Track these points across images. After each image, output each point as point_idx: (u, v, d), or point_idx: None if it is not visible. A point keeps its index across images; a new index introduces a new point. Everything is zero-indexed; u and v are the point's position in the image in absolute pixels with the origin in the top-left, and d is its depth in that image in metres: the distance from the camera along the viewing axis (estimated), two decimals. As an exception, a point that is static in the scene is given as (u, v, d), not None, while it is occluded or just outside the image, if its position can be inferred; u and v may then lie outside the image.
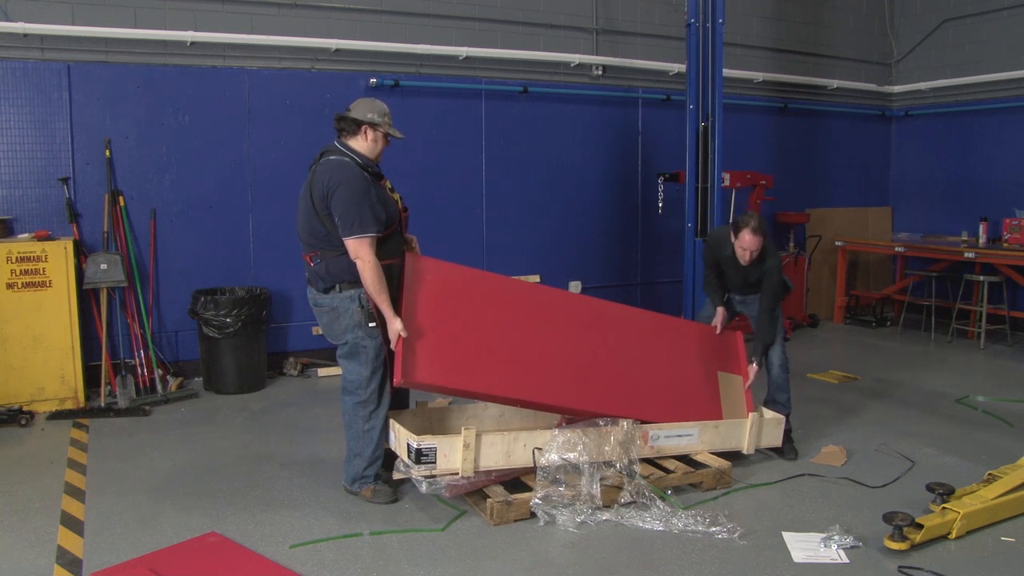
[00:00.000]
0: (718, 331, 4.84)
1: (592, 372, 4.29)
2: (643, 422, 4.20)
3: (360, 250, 3.68)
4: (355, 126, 3.85)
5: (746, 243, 4.45)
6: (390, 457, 4.05)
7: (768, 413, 4.58)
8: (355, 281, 3.77)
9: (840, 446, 4.68)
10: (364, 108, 3.86)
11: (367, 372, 3.86)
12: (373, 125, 3.84)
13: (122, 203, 5.99)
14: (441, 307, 4.03)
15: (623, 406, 4.22)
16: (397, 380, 3.72)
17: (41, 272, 5.44)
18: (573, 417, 4.16)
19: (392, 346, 3.81)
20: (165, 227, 6.18)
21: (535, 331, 4.25)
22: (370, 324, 3.80)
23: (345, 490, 4.07)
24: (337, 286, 3.81)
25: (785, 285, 4.81)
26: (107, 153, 5.94)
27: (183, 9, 6.11)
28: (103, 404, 5.65)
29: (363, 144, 3.87)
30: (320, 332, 4.43)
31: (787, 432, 4.69)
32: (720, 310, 4.86)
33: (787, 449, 4.64)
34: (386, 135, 3.91)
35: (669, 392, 4.50)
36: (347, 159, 3.81)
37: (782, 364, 4.82)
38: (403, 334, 3.75)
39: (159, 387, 5.93)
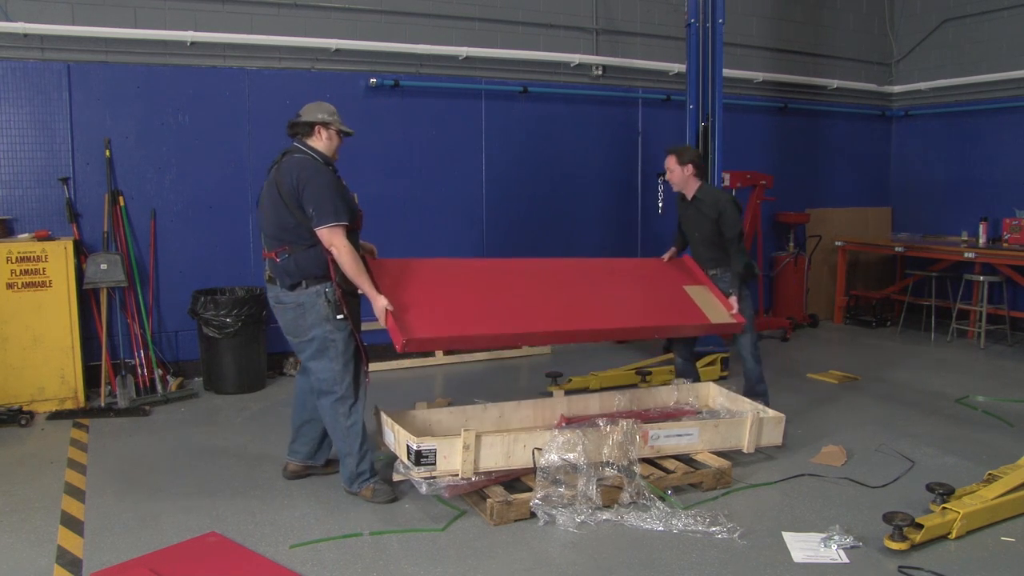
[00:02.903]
0: (666, 259, 5.37)
1: (568, 303, 4.68)
2: (620, 339, 4.87)
3: (335, 238, 3.79)
4: (309, 128, 3.99)
5: (665, 164, 5.11)
6: None
7: (768, 412, 4.58)
8: (322, 276, 3.87)
9: (840, 446, 4.68)
10: (314, 110, 4.01)
11: (339, 367, 3.91)
12: (325, 124, 3.98)
13: (122, 203, 5.99)
14: (415, 289, 4.29)
15: (602, 320, 4.65)
16: (399, 346, 3.91)
17: (41, 272, 5.44)
18: (572, 418, 4.17)
19: (382, 322, 3.96)
20: (165, 227, 6.18)
21: (507, 285, 4.66)
22: (338, 316, 3.86)
23: (346, 491, 4.07)
24: (303, 282, 3.87)
25: (751, 268, 5.11)
26: (107, 153, 5.94)
27: (183, 9, 6.11)
28: (103, 404, 5.65)
29: (320, 143, 3.99)
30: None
31: (762, 393, 5.10)
32: (672, 250, 5.40)
33: None
34: (339, 132, 4.04)
35: (644, 305, 4.93)
36: (309, 156, 3.94)
37: (753, 355, 5.12)
38: (390, 308, 3.93)
39: (159, 387, 5.93)
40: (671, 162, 5.08)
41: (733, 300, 5.00)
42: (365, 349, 4.03)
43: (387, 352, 6.67)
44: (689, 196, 5.15)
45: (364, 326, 4.13)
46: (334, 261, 3.83)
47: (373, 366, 6.67)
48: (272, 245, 3.95)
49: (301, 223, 3.82)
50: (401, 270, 4.38)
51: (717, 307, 5.00)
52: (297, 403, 4.27)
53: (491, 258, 5.23)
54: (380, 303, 3.92)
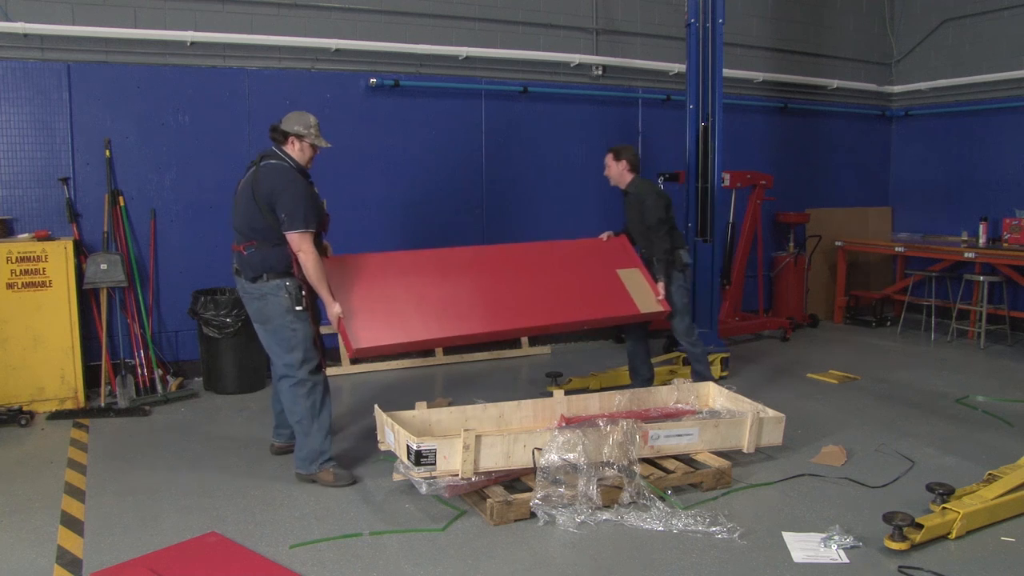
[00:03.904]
0: (604, 239, 5.69)
1: (509, 300, 5.00)
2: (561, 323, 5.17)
3: (303, 243, 4.08)
4: (284, 136, 4.23)
5: (605, 161, 5.58)
6: None
7: (768, 412, 4.58)
8: (283, 272, 4.15)
9: (840, 446, 4.68)
10: (293, 121, 4.23)
11: (299, 355, 4.17)
12: (299, 136, 4.22)
13: (122, 203, 5.99)
14: (366, 288, 4.59)
15: (538, 318, 5.03)
16: (349, 353, 4.36)
17: (41, 272, 5.44)
18: (571, 418, 4.17)
19: (335, 327, 4.33)
20: (165, 227, 6.18)
21: (449, 283, 4.92)
22: (297, 308, 4.15)
23: (299, 477, 4.23)
24: (264, 275, 4.15)
25: (677, 256, 5.47)
26: (107, 153, 5.94)
27: (183, 9, 6.11)
28: (103, 404, 5.65)
29: (293, 151, 4.24)
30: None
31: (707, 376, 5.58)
32: (610, 232, 5.74)
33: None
34: (312, 145, 4.27)
35: (578, 297, 5.22)
36: (285, 164, 4.20)
37: (688, 339, 5.59)
38: (341, 316, 4.28)
39: (159, 387, 5.94)
40: (609, 159, 5.58)
41: (660, 286, 5.39)
42: (322, 339, 4.39)
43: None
44: (623, 189, 5.65)
45: (323, 330, 4.44)
46: (298, 262, 4.13)
47: (374, 366, 6.73)
48: (240, 240, 4.23)
49: (271, 225, 4.10)
50: (355, 267, 4.67)
51: (647, 293, 5.40)
52: (275, 390, 4.53)
53: (439, 248, 5.51)
54: (334, 311, 4.27)
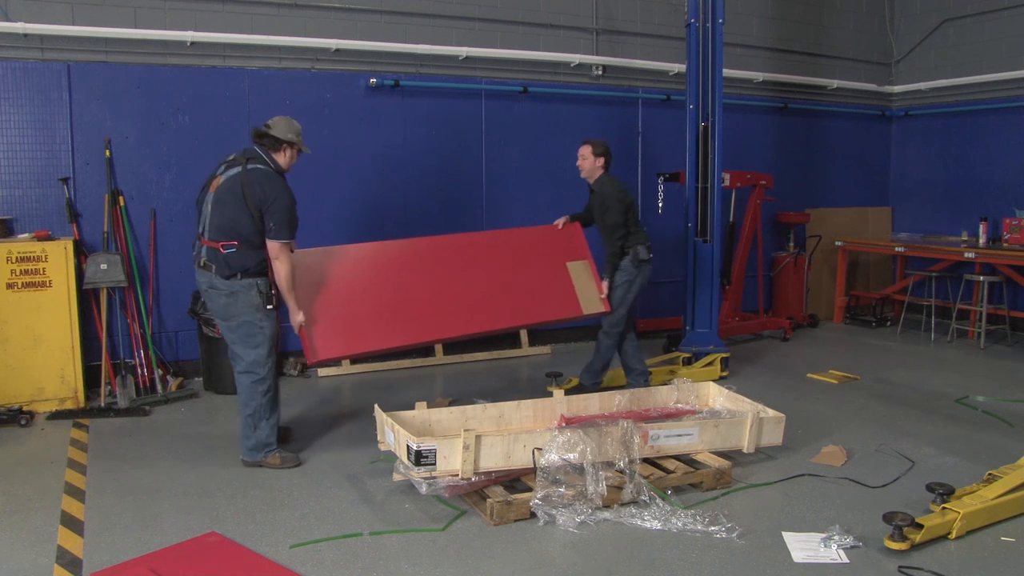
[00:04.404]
0: (560, 227, 5.78)
1: (460, 302, 5.18)
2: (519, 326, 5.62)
3: (282, 253, 4.31)
4: (277, 143, 4.39)
5: (580, 152, 5.63)
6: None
7: (768, 412, 4.58)
8: (257, 272, 4.32)
9: (840, 446, 4.68)
10: (284, 128, 4.39)
11: (264, 351, 4.38)
12: (291, 144, 4.42)
13: (122, 203, 5.99)
14: (327, 293, 4.75)
15: (488, 322, 5.30)
16: (309, 360, 4.61)
17: (41, 272, 5.44)
18: (571, 418, 4.17)
19: (296, 332, 4.56)
20: (165, 227, 6.18)
21: (406, 282, 5.08)
22: (268, 307, 4.34)
23: (245, 464, 4.44)
24: (239, 274, 4.28)
25: (639, 254, 5.60)
26: (107, 153, 5.94)
27: (183, 9, 6.11)
28: (103, 404, 5.65)
29: (282, 158, 4.43)
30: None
31: (599, 371, 5.82)
32: (566, 217, 5.83)
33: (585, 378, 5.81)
34: (299, 151, 4.49)
35: (527, 297, 5.44)
36: (271, 169, 4.36)
37: (608, 332, 5.68)
38: (303, 324, 4.49)
39: (159, 387, 5.94)
40: (586, 151, 5.61)
41: (604, 284, 5.57)
42: (280, 339, 4.68)
43: (387, 352, 6.71)
44: (591, 184, 5.73)
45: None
46: (271, 266, 4.34)
47: (374, 365, 6.73)
48: (219, 237, 4.29)
49: (257, 229, 4.27)
50: (318, 264, 4.80)
51: (592, 291, 5.62)
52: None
53: (400, 240, 5.57)
54: (297, 319, 4.49)
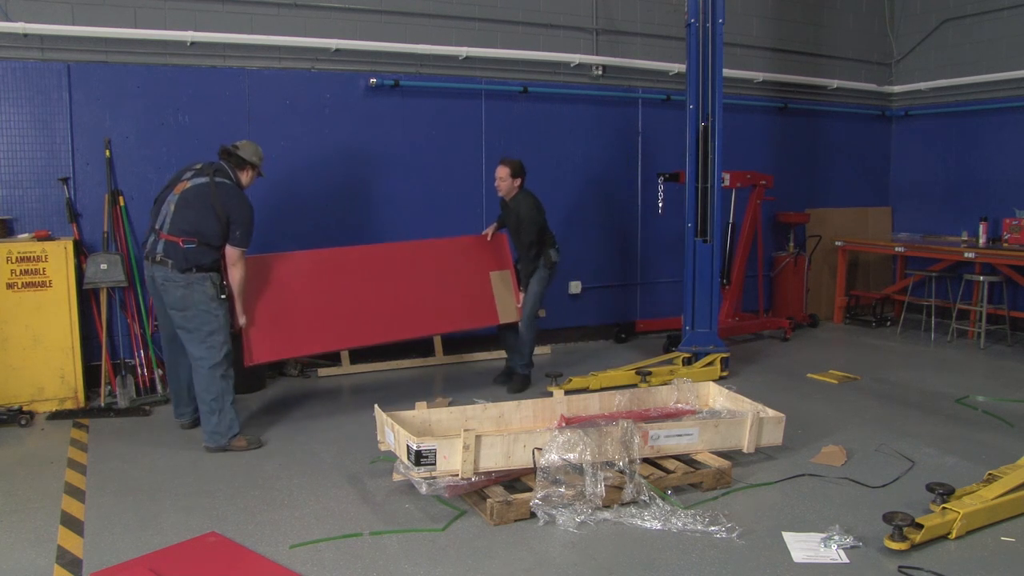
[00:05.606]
0: (489, 237, 6.33)
1: (383, 310, 5.66)
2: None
3: (241, 260, 4.83)
4: (242, 163, 4.92)
5: (497, 173, 6.04)
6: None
7: (768, 412, 4.58)
8: (211, 268, 4.72)
9: (840, 446, 4.68)
10: (251, 152, 4.95)
11: (220, 338, 4.72)
12: (254, 167, 4.97)
13: (122, 203, 5.99)
14: (265, 296, 5.19)
15: (414, 329, 5.90)
16: (245, 363, 5.05)
17: (41, 272, 5.44)
18: (571, 418, 4.17)
19: (238, 331, 5.01)
20: (165, 227, 6.17)
21: (338, 290, 5.53)
22: (221, 296, 4.74)
23: (208, 450, 4.68)
24: (194, 268, 4.66)
25: (550, 257, 6.04)
26: (107, 153, 5.94)
27: (183, 9, 6.11)
28: (103, 404, 5.65)
29: (244, 177, 4.97)
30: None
31: (526, 376, 6.21)
32: (494, 225, 6.36)
33: (517, 380, 6.16)
34: (258, 174, 5.03)
35: (449, 306, 5.96)
36: (235, 185, 4.86)
37: (527, 323, 6.07)
38: (244, 326, 5.00)
39: (159, 387, 5.94)
40: (504, 172, 6.02)
41: (520, 295, 6.11)
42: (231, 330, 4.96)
43: (388, 352, 6.72)
44: (507, 200, 6.12)
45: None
46: (226, 267, 4.81)
47: (374, 365, 6.73)
48: (181, 233, 4.66)
49: (220, 233, 4.70)
50: (266, 270, 5.27)
51: (510, 301, 6.18)
52: (171, 373, 5.14)
53: (336, 248, 6.04)
54: (241, 321, 5.00)
